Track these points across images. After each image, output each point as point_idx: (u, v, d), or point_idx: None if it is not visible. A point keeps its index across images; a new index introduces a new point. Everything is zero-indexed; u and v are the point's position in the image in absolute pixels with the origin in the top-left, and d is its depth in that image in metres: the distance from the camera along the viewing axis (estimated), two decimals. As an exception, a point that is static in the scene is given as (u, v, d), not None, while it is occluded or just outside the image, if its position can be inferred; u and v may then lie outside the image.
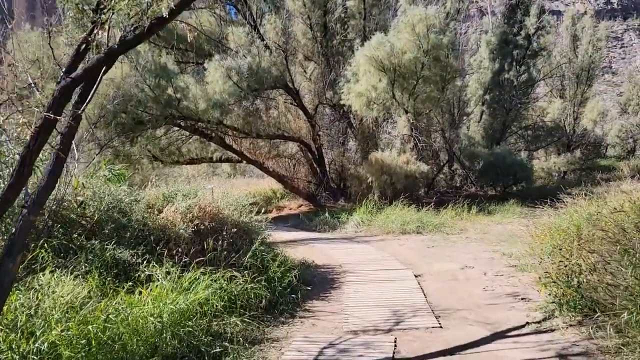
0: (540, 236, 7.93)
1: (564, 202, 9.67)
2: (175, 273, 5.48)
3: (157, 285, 5.20)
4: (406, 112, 14.11)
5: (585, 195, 9.17)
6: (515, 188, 17.85)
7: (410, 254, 8.82)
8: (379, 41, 12.59)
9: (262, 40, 15.98)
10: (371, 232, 11.77)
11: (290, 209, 17.30)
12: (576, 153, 35.10)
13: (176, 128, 15.65)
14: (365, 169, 14.09)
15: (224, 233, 6.58)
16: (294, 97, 17.38)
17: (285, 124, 17.54)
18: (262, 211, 9.92)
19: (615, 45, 60.94)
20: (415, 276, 7.12)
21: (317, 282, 7.04)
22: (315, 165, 18.54)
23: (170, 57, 14.00)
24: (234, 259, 6.21)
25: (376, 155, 13.79)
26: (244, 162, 18.24)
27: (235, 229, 6.80)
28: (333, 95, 16.21)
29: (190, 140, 17.72)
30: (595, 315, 4.43)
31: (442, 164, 17.90)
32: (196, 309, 4.79)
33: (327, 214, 13.28)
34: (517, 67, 19.36)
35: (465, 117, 20.24)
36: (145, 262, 5.60)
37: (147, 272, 5.46)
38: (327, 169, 18.82)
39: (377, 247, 9.76)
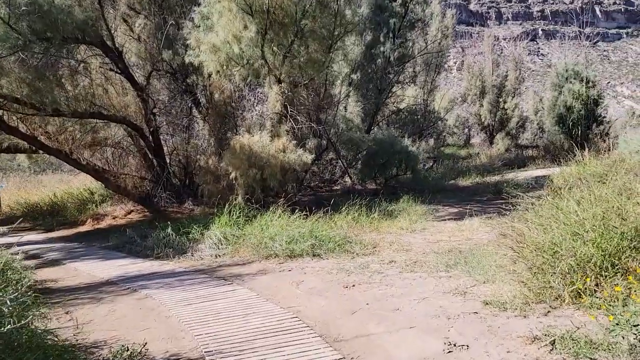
0: (537, 263, 4.79)
1: (511, 201, 6.84)
2: None
3: None
4: (279, 80, 10.24)
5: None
6: (393, 181, 15.23)
7: (329, 309, 5.01)
8: (245, -34, 8.48)
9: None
10: (242, 258, 7.69)
11: (115, 218, 12.23)
12: (430, 141, 35.13)
13: None
14: (227, 159, 9.87)
15: None
16: (116, 61, 12.28)
17: (104, 98, 12.34)
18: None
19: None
20: (373, 386, 3.34)
21: None
22: (150, 156, 13.68)
23: None
24: None
25: (241, 140, 9.67)
26: (43, 152, 12.57)
27: None
28: (173, 57, 11.55)
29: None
30: None
31: (315, 152, 14.46)
32: None
33: (169, 229, 8.79)
34: (394, 39, 16.81)
35: (334, 98, 17.17)
36: None
37: None
38: (169, 162, 14.15)
39: (262, 291, 5.76)
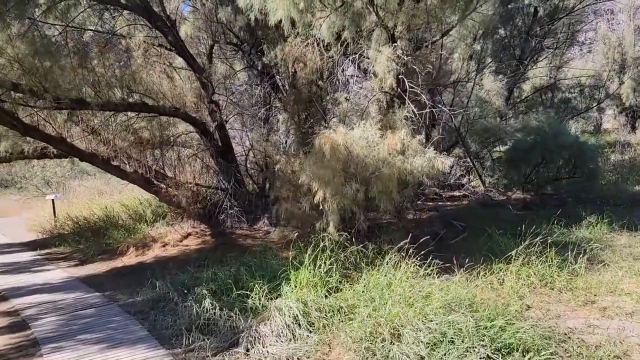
0: None
1: None
2: None
3: None
4: (392, 37, 6.25)
5: None
6: (549, 187, 10.43)
7: None
8: None
9: None
10: (336, 376, 3.87)
11: (165, 246, 8.98)
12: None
13: None
14: (309, 170, 6.08)
15: None
16: (166, 33, 9.03)
17: (150, 83, 9.15)
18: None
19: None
20: None
21: None
22: (215, 159, 10.39)
23: None
24: None
25: (332, 137, 5.81)
26: (75, 157, 9.67)
27: None
28: (234, 16, 8.01)
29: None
30: None
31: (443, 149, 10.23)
32: None
33: (207, 302, 5.14)
34: (543, -15, 12.05)
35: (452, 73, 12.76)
36: None
37: None
38: (246, 165, 10.95)
39: None
